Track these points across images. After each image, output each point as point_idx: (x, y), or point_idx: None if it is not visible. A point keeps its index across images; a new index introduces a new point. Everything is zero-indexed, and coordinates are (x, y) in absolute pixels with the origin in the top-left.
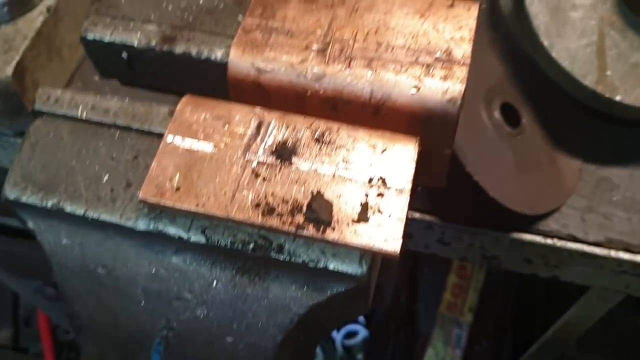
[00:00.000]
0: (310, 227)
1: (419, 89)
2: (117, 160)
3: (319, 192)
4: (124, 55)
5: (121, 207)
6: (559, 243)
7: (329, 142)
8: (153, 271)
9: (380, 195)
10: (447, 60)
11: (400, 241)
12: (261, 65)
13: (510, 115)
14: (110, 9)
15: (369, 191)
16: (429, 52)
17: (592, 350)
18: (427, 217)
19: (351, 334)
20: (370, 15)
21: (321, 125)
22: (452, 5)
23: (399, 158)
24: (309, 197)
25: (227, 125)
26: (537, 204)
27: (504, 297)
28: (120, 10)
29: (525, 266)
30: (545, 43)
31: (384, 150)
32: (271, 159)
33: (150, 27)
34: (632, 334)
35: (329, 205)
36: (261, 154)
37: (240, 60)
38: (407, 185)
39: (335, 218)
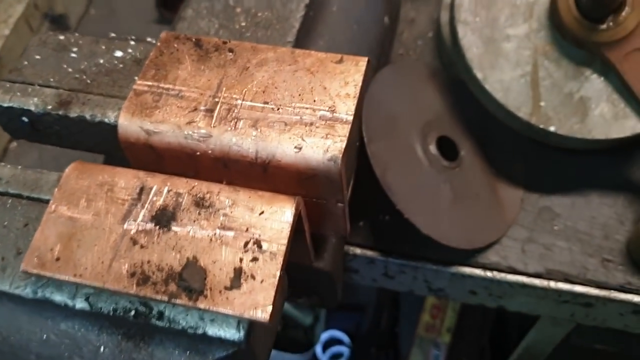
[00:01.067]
0: (183, 295)
1: (300, 149)
2: (9, 228)
3: (194, 259)
4: (25, 119)
5: (11, 275)
6: (499, 275)
7: (209, 205)
8: (44, 337)
9: (254, 259)
10: (330, 118)
11: (270, 308)
12: (150, 127)
13: (448, 148)
14: (12, 73)
15: (244, 256)
16: (313, 110)
17: None
18: (369, 253)
19: (336, 356)
20: (260, 73)
21: (203, 188)
22: (340, 61)
23: (275, 220)
24: (184, 263)
25: (109, 192)
26: (475, 237)
27: (482, 316)
28: (22, 74)
29: (471, 297)
30: (479, 75)
31: (261, 213)
32: (150, 226)
33: (48, 91)
34: (591, 357)
35: (201, 272)
36: (140, 220)
37: (130, 123)
38: (281, 249)
39: (208, 285)
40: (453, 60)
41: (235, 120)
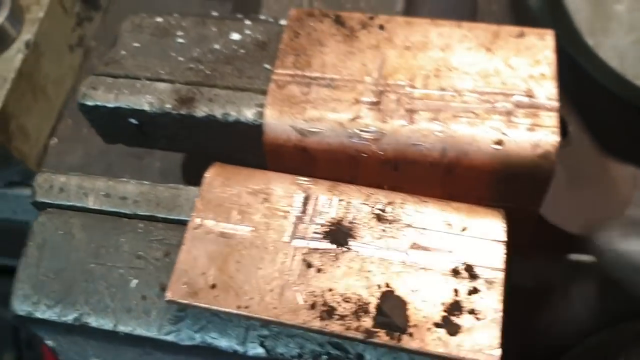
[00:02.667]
0: (382, 333)
1: (502, 144)
2: (145, 259)
3: (388, 287)
4: (133, 121)
5: (158, 318)
6: None
7: (393, 219)
8: None
9: (467, 290)
10: (531, 104)
11: (498, 351)
12: (304, 126)
13: None
14: (110, 66)
15: (452, 284)
16: (506, 96)
17: None
18: None
19: None
20: (425, 53)
21: (381, 197)
22: (521, 35)
23: (484, 239)
24: (377, 293)
25: (266, 202)
26: (591, 220)
27: None
28: (122, 67)
29: None
30: (590, 42)
31: (463, 229)
32: (325, 244)
33: (162, 87)
34: None
35: (402, 305)
36: (312, 237)
37: (279, 122)
38: (499, 276)
39: (412, 321)
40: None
41: (410, 112)
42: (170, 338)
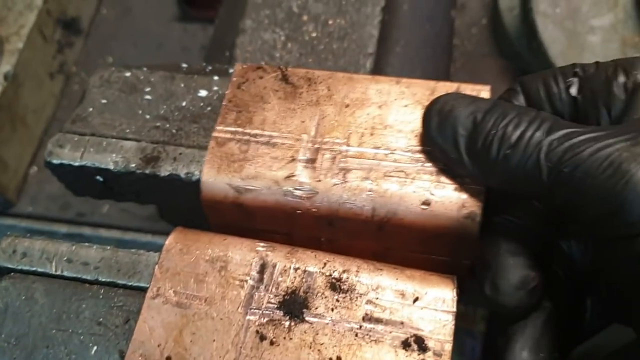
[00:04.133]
0: None
1: (429, 204)
2: (105, 325)
3: None
4: (99, 178)
5: None
6: None
7: (348, 288)
8: None
9: None
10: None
11: None
12: (240, 184)
13: None
14: (77, 123)
15: (401, 356)
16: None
17: None
18: None
19: None
20: (363, 110)
21: (337, 265)
22: (458, 90)
23: (435, 310)
24: None
25: (223, 270)
26: None
27: None
28: (89, 125)
29: None
30: None
31: (415, 300)
32: (279, 315)
33: (127, 145)
34: None
35: None
36: (266, 307)
37: (215, 180)
38: (447, 348)
39: None
40: (524, 55)
41: (343, 171)
42: None
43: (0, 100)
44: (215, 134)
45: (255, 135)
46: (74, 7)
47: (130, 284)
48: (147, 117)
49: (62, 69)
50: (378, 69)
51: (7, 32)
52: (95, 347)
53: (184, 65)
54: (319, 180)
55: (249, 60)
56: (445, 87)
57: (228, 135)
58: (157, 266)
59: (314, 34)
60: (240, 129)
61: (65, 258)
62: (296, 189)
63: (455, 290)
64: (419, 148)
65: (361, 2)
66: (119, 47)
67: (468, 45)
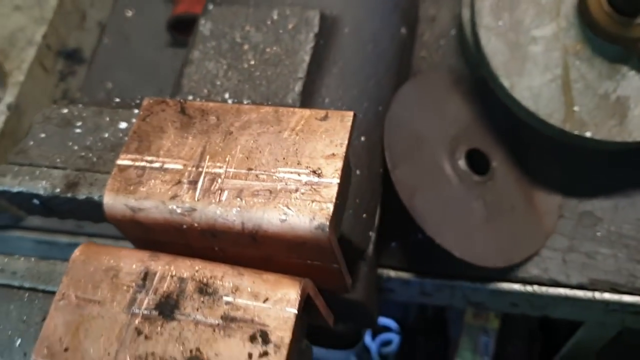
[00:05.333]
0: None
1: (286, 219)
2: (28, 323)
3: (198, 351)
4: (36, 201)
5: None
6: (540, 290)
7: (212, 292)
8: None
9: (259, 353)
10: (316, 183)
11: None
12: (134, 204)
13: (478, 161)
14: (19, 155)
15: (248, 348)
16: (298, 174)
17: None
18: (403, 275)
19: (386, 343)
20: (244, 137)
21: (207, 272)
22: (325, 118)
23: (280, 309)
24: (187, 356)
25: (114, 278)
26: (513, 253)
27: None
28: (28, 156)
29: (513, 308)
30: (506, 84)
31: (265, 300)
32: (154, 314)
33: (55, 173)
34: None
35: None
36: (144, 308)
37: (115, 202)
38: (286, 341)
39: None
40: (479, 62)
41: (220, 191)
42: None
43: (4, 128)
44: (118, 162)
45: (150, 162)
46: (74, 39)
47: (47, 289)
48: (75, 148)
49: (66, 95)
50: (310, 91)
51: (10, 66)
52: (19, 340)
53: (117, 99)
54: (198, 200)
55: (193, 89)
56: (315, 115)
57: (129, 162)
58: (64, 275)
59: (252, 62)
60: (139, 156)
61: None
62: (178, 207)
63: (299, 291)
64: (285, 169)
65: (296, 30)
66: (118, 73)
67: (435, 57)
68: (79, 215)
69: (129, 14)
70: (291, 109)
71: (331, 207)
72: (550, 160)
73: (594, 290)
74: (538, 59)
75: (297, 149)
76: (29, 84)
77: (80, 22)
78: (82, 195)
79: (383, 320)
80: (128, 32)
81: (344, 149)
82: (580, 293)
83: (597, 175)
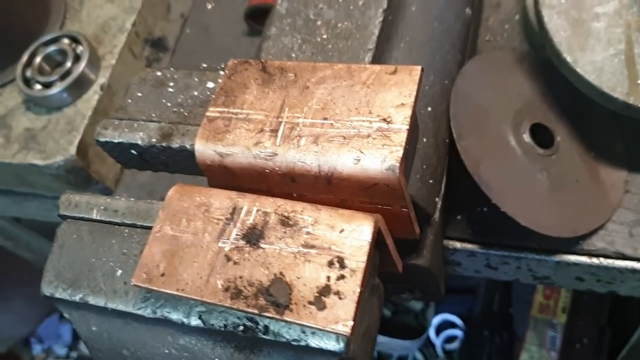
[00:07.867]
0: (271, 309)
1: (359, 160)
2: (128, 255)
3: (280, 275)
4: (133, 152)
5: (133, 298)
6: (606, 262)
7: (293, 224)
8: (167, 352)
9: (336, 276)
10: (386, 129)
11: (350, 323)
12: (222, 150)
13: (542, 135)
14: (119, 111)
15: (326, 272)
16: (370, 122)
17: None
18: (469, 246)
19: (450, 339)
20: (319, 91)
21: (288, 207)
22: (394, 72)
23: (355, 238)
24: (272, 279)
25: (206, 212)
26: (578, 224)
27: (599, 294)
28: (127, 112)
29: (578, 284)
30: (569, 59)
31: (341, 231)
32: (242, 243)
33: (151, 126)
34: None
35: (287, 288)
36: (233, 238)
37: (205, 148)
38: (361, 266)
39: (293, 300)
40: (543, 43)
41: (298, 137)
42: (140, 312)
43: (97, 106)
44: (207, 114)
45: (236, 114)
46: (160, 29)
47: (145, 224)
48: (169, 104)
49: None
50: (379, 62)
51: (103, 51)
52: (120, 271)
53: (204, 65)
54: (279, 145)
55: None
56: (384, 70)
57: (217, 114)
58: (160, 211)
59: (325, 36)
60: (226, 109)
61: (102, 207)
62: (261, 152)
63: (372, 223)
64: (357, 118)
65: (366, 6)
66: (199, 61)
67: (500, 40)
68: (172, 166)
69: (209, 6)
70: (362, 65)
71: (401, 150)
72: (615, 135)
73: None
74: (601, 34)
75: (368, 100)
76: (119, 67)
77: (165, 13)
78: (175, 144)
79: (448, 317)
80: (208, 23)
81: (412, 99)
82: None
83: None
